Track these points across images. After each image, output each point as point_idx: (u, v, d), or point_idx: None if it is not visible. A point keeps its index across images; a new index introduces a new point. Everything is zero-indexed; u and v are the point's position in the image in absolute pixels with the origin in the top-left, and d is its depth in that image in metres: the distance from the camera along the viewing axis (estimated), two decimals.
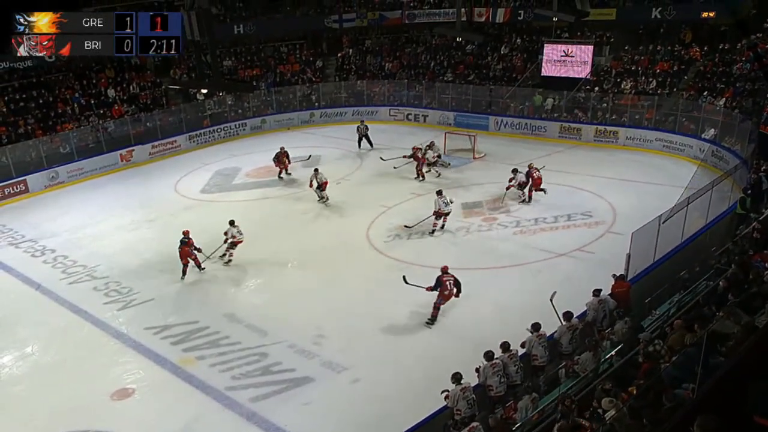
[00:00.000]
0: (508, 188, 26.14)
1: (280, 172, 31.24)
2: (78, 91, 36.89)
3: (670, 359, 10.59)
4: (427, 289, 17.61)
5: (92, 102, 36.76)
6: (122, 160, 34.48)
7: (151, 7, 40.25)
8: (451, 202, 23.92)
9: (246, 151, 35.86)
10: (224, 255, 22.23)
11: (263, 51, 44.92)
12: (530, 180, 25.95)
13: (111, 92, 37.76)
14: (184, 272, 21.45)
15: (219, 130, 39.09)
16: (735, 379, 8.04)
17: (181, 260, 21.32)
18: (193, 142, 37.66)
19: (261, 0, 44.14)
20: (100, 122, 35.34)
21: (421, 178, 29.22)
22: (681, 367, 9.85)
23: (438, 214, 23.70)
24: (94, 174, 33.09)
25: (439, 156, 30.64)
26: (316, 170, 27.38)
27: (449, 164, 31.30)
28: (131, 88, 38.83)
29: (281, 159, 31.00)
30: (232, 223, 22.25)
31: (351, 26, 45.41)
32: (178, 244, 21.19)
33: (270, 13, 45.11)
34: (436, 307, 17.83)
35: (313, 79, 43.93)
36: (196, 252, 21.44)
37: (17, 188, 30.53)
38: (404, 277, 18.60)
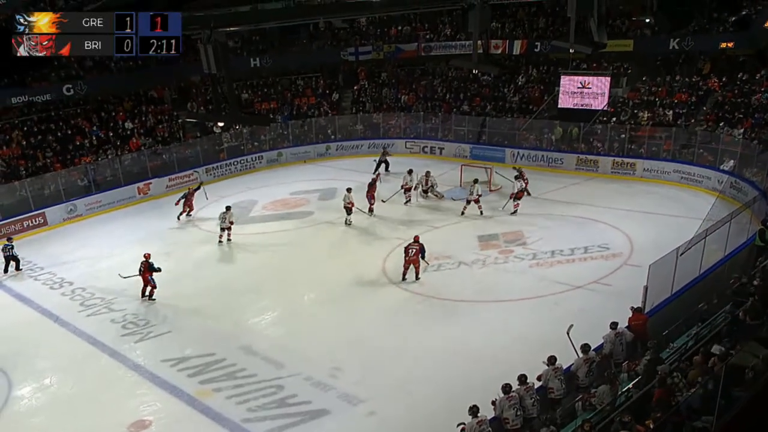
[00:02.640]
0: (512, 196, 28.42)
1: (182, 213, 30.64)
2: (95, 125, 37.20)
3: (689, 391, 10.54)
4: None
5: (110, 135, 37.03)
6: (139, 193, 34.65)
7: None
8: (479, 195, 28.26)
9: (262, 184, 35.97)
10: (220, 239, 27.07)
11: (279, 84, 45.19)
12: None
13: (128, 125, 38.06)
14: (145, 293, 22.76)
15: (235, 163, 39.22)
16: (754, 412, 8.00)
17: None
18: (210, 175, 37.75)
19: (277, 33, 44.44)
20: (118, 155, 35.60)
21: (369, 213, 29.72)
22: (700, 400, 9.80)
23: (467, 201, 28.43)
24: (112, 207, 33.23)
25: (432, 187, 31.56)
26: (348, 189, 28.58)
27: (443, 195, 31.64)
28: (148, 121, 39.09)
29: (189, 199, 30.67)
30: (228, 208, 26.97)
31: (367, 59, 45.67)
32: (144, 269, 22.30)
33: (286, 46, 45.43)
34: (404, 267, 22.56)
35: (329, 111, 44.16)
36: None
37: (36, 221, 30.70)
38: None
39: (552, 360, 13.90)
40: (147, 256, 22.38)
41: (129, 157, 35.76)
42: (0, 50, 20.21)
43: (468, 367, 16.88)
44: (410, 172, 31.22)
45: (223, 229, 26.91)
